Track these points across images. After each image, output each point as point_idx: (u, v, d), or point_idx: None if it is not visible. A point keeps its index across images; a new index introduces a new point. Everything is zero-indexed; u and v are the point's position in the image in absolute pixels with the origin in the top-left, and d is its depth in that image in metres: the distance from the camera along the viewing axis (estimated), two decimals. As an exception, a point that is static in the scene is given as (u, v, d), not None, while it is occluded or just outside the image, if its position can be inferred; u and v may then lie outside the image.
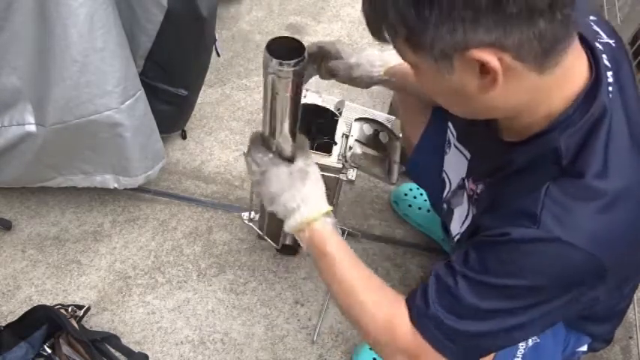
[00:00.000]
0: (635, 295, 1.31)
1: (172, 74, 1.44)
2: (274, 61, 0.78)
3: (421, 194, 1.57)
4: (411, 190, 1.58)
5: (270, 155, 0.91)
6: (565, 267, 0.67)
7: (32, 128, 1.21)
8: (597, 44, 0.72)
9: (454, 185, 1.00)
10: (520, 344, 0.89)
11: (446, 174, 1.05)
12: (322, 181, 0.90)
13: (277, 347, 1.29)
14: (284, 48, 0.80)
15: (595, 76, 0.68)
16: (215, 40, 1.54)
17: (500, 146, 0.79)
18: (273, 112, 0.87)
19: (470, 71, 0.63)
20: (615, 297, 0.88)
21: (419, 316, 0.75)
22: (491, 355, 0.87)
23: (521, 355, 0.90)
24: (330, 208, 0.87)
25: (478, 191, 0.87)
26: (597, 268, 0.66)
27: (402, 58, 0.69)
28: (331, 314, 1.35)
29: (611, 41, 0.76)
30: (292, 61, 0.79)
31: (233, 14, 2.25)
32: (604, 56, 0.71)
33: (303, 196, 0.86)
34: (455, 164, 0.99)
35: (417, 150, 1.18)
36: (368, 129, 1.38)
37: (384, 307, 0.79)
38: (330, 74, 1.09)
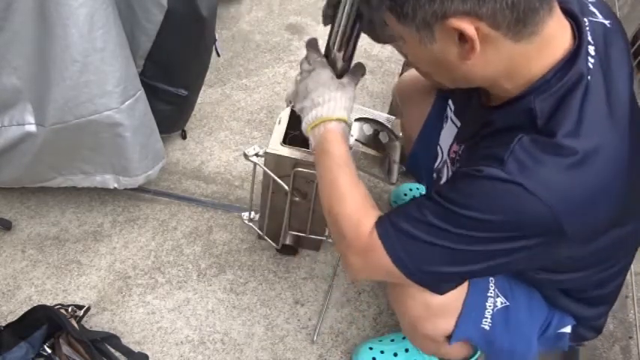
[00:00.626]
0: (635, 295, 1.32)
1: (172, 74, 1.44)
2: None
3: (421, 194, 1.57)
4: (410, 190, 1.58)
5: (324, 59, 0.98)
6: (520, 212, 0.69)
7: (32, 128, 1.21)
8: (587, 20, 0.75)
9: (445, 156, 1.03)
10: (487, 305, 0.91)
11: (440, 146, 1.07)
12: (353, 101, 0.96)
13: (277, 347, 1.29)
14: None
15: (576, 47, 0.72)
16: (215, 40, 1.54)
17: (483, 111, 0.84)
18: (339, 24, 0.95)
19: (450, 40, 0.68)
20: (590, 269, 0.88)
21: (382, 221, 0.82)
22: (458, 311, 0.90)
23: (489, 316, 0.92)
24: (349, 121, 0.94)
25: (460, 152, 0.92)
26: (553, 222, 0.69)
27: (391, 29, 0.74)
28: (331, 314, 1.35)
29: (606, 22, 0.79)
30: None
31: (233, 14, 2.25)
32: (589, 32, 0.74)
33: (332, 97, 0.92)
34: (448, 135, 1.02)
35: (418, 142, 1.19)
36: (368, 129, 1.38)
37: (360, 209, 0.86)
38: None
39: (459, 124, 0.99)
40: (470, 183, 0.73)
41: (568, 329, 0.98)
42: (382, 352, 1.23)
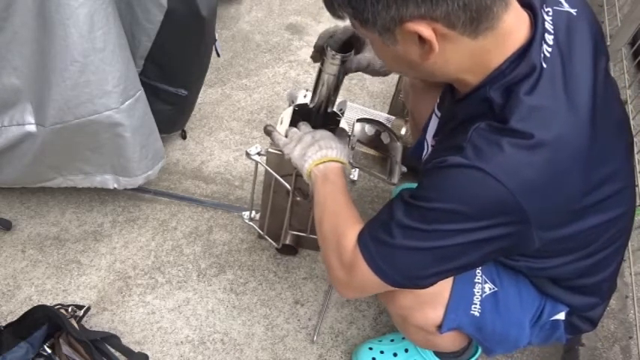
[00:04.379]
0: (635, 295, 1.32)
1: (172, 74, 1.44)
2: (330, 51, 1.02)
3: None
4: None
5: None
6: (479, 195, 0.72)
7: (32, 128, 1.20)
8: (550, 10, 0.78)
9: (429, 148, 1.05)
10: (475, 291, 0.92)
11: (426, 140, 1.09)
12: (348, 156, 1.07)
13: (277, 347, 1.28)
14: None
15: (530, 38, 0.74)
16: (215, 40, 1.54)
17: (452, 105, 0.88)
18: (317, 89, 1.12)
19: (410, 42, 0.72)
20: (567, 256, 0.88)
21: (361, 234, 0.85)
22: (446, 299, 0.92)
23: (478, 302, 0.93)
24: (349, 167, 1.05)
25: (433, 144, 0.96)
26: (512, 203, 0.70)
27: (357, 32, 0.79)
28: (331, 314, 1.35)
29: (572, 10, 0.81)
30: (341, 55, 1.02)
31: (233, 14, 2.25)
32: (551, 21, 0.76)
33: (337, 145, 1.05)
34: (432, 129, 1.04)
35: (423, 131, 1.19)
36: (369, 129, 1.37)
37: (348, 226, 0.90)
38: (357, 68, 1.17)
39: (437, 120, 1.02)
40: (434, 176, 0.76)
41: (562, 316, 0.98)
42: (382, 352, 1.23)
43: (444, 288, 0.92)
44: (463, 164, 0.71)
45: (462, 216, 0.73)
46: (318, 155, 1.02)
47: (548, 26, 0.76)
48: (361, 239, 0.84)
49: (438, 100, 1.05)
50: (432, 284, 0.85)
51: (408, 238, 0.78)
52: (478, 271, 0.94)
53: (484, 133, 0.72)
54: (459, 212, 0.73)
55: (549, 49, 0.74)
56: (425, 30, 0.68)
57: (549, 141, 0.70)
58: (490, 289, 0.93)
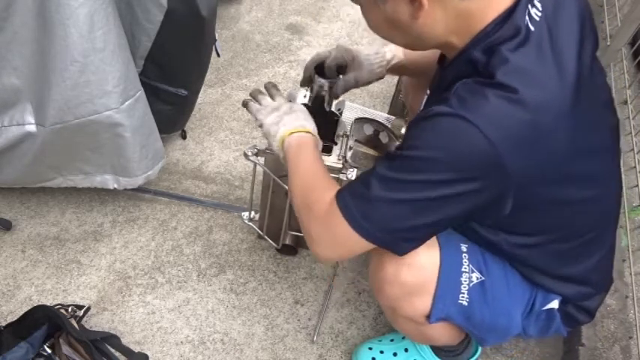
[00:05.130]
0: (635, 295, 1.32)
1: (172, 74, 1.44)
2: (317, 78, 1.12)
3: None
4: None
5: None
6: (460, 144, 0.72)
7: (32, 128, 1.21)
8: None
9: None
10: (462, 280, 0.92)
11: None
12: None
13: (277, 347, 1.29)
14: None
15: (514, 3, 0.76)
16: (215, 40, 1.54)
17: (441, 72, 0.91)
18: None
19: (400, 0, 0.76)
20: (545, 234, 0.90)
21: (340, 191, 0.85)
22: (433, 288, 0.92)
23: (466, 291, 0.93)
24: (320, 144, 1.06)
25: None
26: (493, 155, 0.71)
27: None
28: (331, 314, 1.35)
29: None
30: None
31: (233, 14, 2.25)
32: None
33: (313, 123, 1.05)
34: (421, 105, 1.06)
35: None
36: (368, 129, 1.38)
37: (325, 188, 0.90)
38: (345, 90, 1.21)
39: (428, 93, 1.03)
40: (417, 126, 0.77)
41: (555, 304, 0.98)
42: (382, 352, 1.23)
43: (430, 276, 0.92)
44: (446, 112, 0.72)
45: (441, 165, 0.74)
46: (295, 124, 1.02)
47: None
48: (339, 195, 0.84)
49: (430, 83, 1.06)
50: (411, 247, 0.85)
51: (385, 189, 0.78)
52: (465, 260, 0.93)
53: (470, 86, 0.74)
54: (439, 161, 0.74)
55: (539, 14, 0.76)
56: None
57: (534, 98, 0.72)
58: (477, 278, 0.93)
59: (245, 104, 1.11)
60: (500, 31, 0.75)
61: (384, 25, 0.83)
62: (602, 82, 0.88)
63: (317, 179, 0.94)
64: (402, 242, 0.84)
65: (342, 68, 1.17)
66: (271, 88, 1.12)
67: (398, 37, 0.85)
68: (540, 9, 0.77)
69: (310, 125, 1.03)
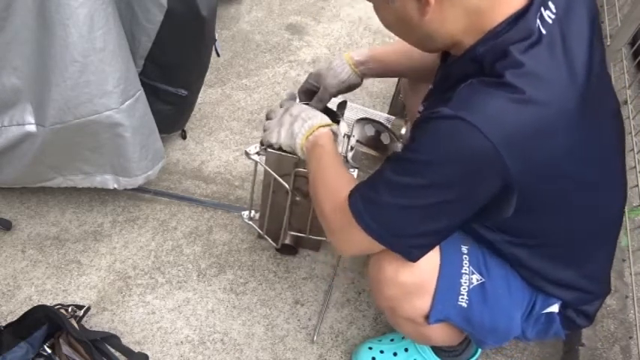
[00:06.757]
0: (635, 295, 1.32)
1: (172, 74, 1.44)
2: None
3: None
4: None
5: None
6: (462, 147, 0.72)
7: (32, 128, 1.21)
8: None
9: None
10: (462, 281, 0.92)
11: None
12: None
13: (277, 347, 1.29)
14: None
15: (527, 4, 0.75)
16: (215, 40, 1.54)
17: (445, 69, 0.91)
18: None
19: None
20: (545, 237, 0.90)
21: (352, 192, 0.86)
22: (432, 289, 0.92)
23: (465, 293, 0.92)
24: (335, 126, 1.08)
25: (421, 110, 0.96)
26: (494, 155, 0.70)
27: None
28: (331, 314, 1.35)
29: None
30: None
31: (233, 14, 2.25)
32: None
33: (316, 112, 1.09)
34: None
35: None
36: (369, 130, 1.37)
37: (340, 185, 0.92)
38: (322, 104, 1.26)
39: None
40: (421, 129, 0.77)
41: (555, 308, 0.98)
42: (382, 351, 1.23)
43: (429, 277, 0.92)
44: (447, 115, 0.72)
45: (444, 168, 0.74)
46: (305, 128, 1.05)
47: None
48: (351, 197, 0.85)
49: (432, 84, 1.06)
50: (418, 257, 0.85)
51: (392, 194, 0.79)
52: (465, 262, 0.93)
53: (474, 87, 0.73)
54: (441, 164, 0.74)
55: (552, 16, 0.76)
56: None
57: (541, 100, 0.71)
58: (478, 280, 0.93)
59: (262, 142, 1.16)
60: (510, 31, 0.74)
61: (395, 23, 0.83)
62: (610, 89, 0.88)
63: (331, 176, 0.97)
64: (413, 249, 0.85)
65: (312, 93, 1.24)
66: (267, 114, 1.16)
67: (409, 35, 0.85)
68: (554, 11, 0.76)
69: (317, 119, 1.06)
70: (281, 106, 1.16)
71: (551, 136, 0.73)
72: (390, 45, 1.23)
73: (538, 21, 0.74)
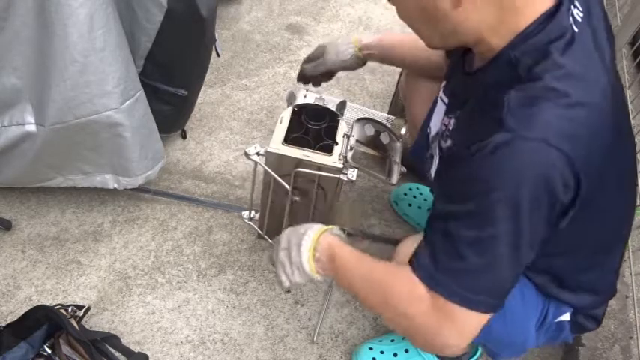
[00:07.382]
0: (635, 295, 1.32)
1: (172, 74, 1.44)
2: None
3: (421, 194, 1.57)
4: (410, 189, 1.58)
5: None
6: (538, 167, 0.66)
7: (32, 128, 1.21)
8: None
9: (434, 132, 1.01)
10: None
11: (430, 128, 1.06)
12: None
13: (277, 347, 1.28)
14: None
15: (557, 1, 0.73)
16: (215, 40, 1.54)
17: (470, 77, 0.85)
18: None
19: None
20: (578, 249, 0.87)
21: (425, 276, 0.75)
22: None
23: None
24: (336, 228, 0.95)
25: (450, 127, 0.90)
26: (569, 164, 0.66)
27: None
28: (331, 314, 1.35)
29: None
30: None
31: (233, 14, 2.25)
32: None
33: (305, 226, 0.95)
34: (437, 114, 1.02)
35: (421, 130, 1.19)
36: (369, 129, 1.38)
37: (396, 280, 0.79)
38: (311, 77, 1.31)
39: (447, 100, 0.99)
40: (481, 166, 0.69)
41: (567, 317, 0.97)
42: (382, 352, 1.23)
43: None
44: (510, 139, 0.66)
45: (526, 196, 0.67)
46: (304, 254, 0.91)
47: None
48: (429, 281, 0.74)
49: (444, 83, 1.02)
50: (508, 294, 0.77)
51: (481, 252, 0.70)
52: None
53: (520, 99, 0.68)
54: (523, 194, 0.66)
55: (581, 14, 0.73)
56: None
57: (585, 102, 0.68)
58: None
59: (278, 282, 1.00)
60: (544, 30, 0.71)
61: (416, 15, 0.78)
62: (620, 81, 0.86)
63: (376, 279, 0.83)
64: (507, 293, 0.76)
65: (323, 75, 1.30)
66: (269, 259, 1.04)
67: (429, 30, 0.80)
68: (581, 10, 0.74)
69: (311, 233, 0.92)
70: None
71: (599, 136, 0.70)
72: (403, 35, 1.20)
73: (570, 18, 0.72)
